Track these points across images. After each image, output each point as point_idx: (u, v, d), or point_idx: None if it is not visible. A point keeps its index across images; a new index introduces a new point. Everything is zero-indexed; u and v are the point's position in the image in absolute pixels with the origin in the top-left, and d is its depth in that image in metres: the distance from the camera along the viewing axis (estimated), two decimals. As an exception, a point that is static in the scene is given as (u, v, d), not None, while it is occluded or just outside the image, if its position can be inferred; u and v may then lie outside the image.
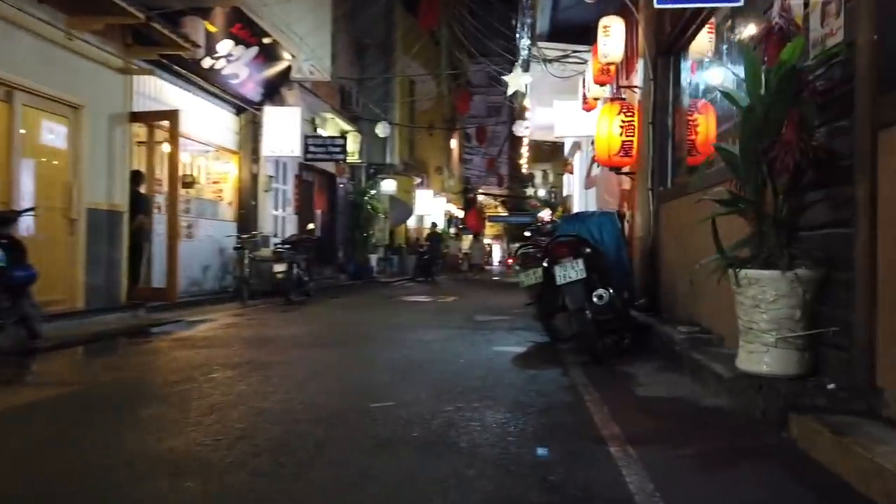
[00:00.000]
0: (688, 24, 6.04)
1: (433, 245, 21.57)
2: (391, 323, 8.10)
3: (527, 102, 12.75)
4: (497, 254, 45.76)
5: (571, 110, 10.65)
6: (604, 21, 7.53)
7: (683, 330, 4.95)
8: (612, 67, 7.77)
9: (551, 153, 26.38)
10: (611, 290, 4.96)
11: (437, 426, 3.17)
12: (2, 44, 6.49)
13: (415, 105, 25.47)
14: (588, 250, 5.06)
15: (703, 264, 3.48)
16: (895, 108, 2.56)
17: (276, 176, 13.84)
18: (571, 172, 16.43)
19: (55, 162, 7.44)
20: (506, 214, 47.05)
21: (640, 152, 6.89)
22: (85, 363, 5.70)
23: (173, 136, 8.84)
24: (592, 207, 11.64)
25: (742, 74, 4.96)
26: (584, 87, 9.52)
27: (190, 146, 11.04)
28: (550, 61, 10.16)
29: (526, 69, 10.73)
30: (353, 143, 17.60)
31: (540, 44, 10.02)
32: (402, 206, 23.72)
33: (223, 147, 12.13)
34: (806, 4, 3.25)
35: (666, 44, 6.53)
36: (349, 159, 17.42)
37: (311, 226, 13.88)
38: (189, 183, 10.72)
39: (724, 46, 6.04)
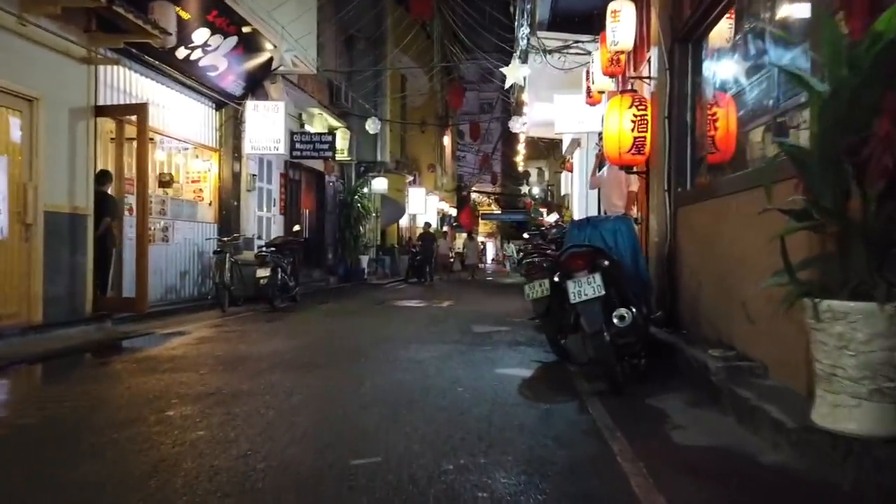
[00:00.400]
0: (711, 6, 5.38)
1: (426, 245, 20.87)
2: (382, 335, 7.42)
3: (524, 97, 12.09)
4: (490, 252, 45.12)
5: (573, 105, 9.99)
6: (613, 5, 6.87)
7: (717, 355, 4.28)
8: (623, 57, 7.10)
9: (548, 150, 25.74)
10: (633, 310, 4.29)
11: (434, 498, 2.50)
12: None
13: (406, 101, 24.77)
14: (606, 263, 4.39)
15: (764, 286, 2.81)
16: None
17: (259, 174, 13.12)
18: (570, 170, 15.77)
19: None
20: (499, 212, 46.48)
21: (655, 150, 6.24)
22: (17, 393, 4.81)
23: (142, 131, 8.10)
24: (594, 208, 10.99)
25: (783, 60, 4.34)
26: (588, 79, 8.85)
27: (166, 143, 10.31)
28: (550, 52, 9.49)
29: (524, 61, 10.06)
30: (342, 140, 16.91)
31: (539, 33, 9.36)
32: (393, 205, 23.03)
33: (202, 144, 11.41)
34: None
35: (684, 29, 5.86)
36: (338, 157, 16.73)
37: (297, 227, 13.17)
38: (166, 182, 10.00)
39: (748, 32, 5.40)
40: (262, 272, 10.12)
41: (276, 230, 13.75)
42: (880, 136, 2.24)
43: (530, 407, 4.05)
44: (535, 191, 35.38)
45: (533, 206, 34.26)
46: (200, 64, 10.06)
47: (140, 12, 7.55)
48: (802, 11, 4.19)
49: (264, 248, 10.97)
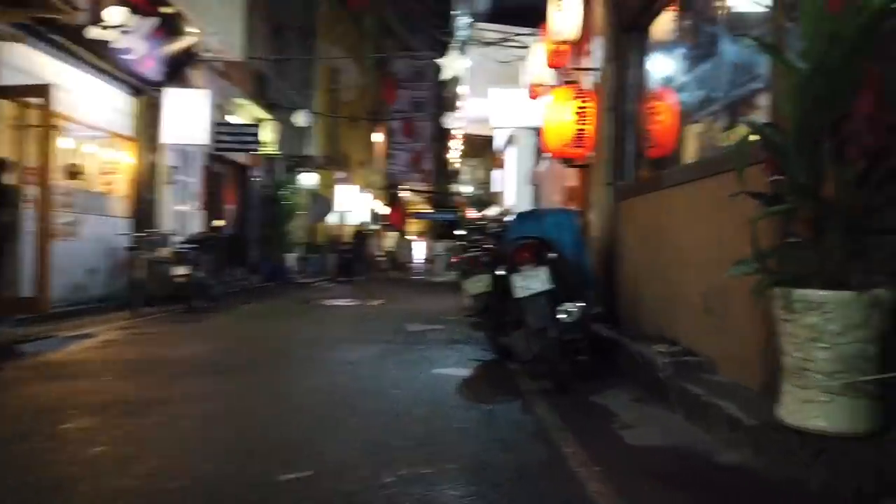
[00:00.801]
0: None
1: (360, 243, 20.39)
2: (310, 336, 7.01)
3: (463, 90, 11.87)
4: (421, 251, 44.82)
5: (511, 99, 9.81)
6: (557, -7, 6.71)
7: (662, 350, 4.15)
8: (566, 47, 6.95)
9: (481, 148, 25.67)
10: (580, 305, 4.10)
11: (373, 517, 2.20)
12: None
13: (338, 96, 24.19)
14: (553, 255, 4.18)
15: (728, 275, 2.64)
16: None
17: (180, 167, 12.34)
18: (503, 168, 15.68)
19: None
20: (430, 211, 46.26)
21: (598, 142, 6.12)
22: None
23: (46, 115, 7.37)
24: (528, 205, 10.89)
25: (733, 50, 4.25)
26: (528, 73, 8.70)
27: (76, 131, 9.49)
28: (490, 44, 9.29)
29: (462, 52, 9.82)
30: (269, 133, 16.22)
31: (479, 24, 9.14)
32: (322, 202, 22.41)
33: (117, 133, 10.59)
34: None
35: (630, 18, 5.75)
36: (265, 150, 16.04)
37: (218, 222, 12.46)
38: (74, 173, 9.21)
39: (693, 22, 5.34)
40: (180, 270, 9.47)
41: (197, 226, 12.97)
42: (862, 113, 2.09)
43: (472, 408, 3.79)
44: (468, 189, 35.32)
45: (464, 205, 34.20)
46: (116, 46, 9.31)
47: (42, -17, 6.85)
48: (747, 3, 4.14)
49: (182, 245, 10.28)
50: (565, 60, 7.40)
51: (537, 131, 8.77)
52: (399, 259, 24.30)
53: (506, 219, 7.52)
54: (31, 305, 7.26)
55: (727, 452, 2.79)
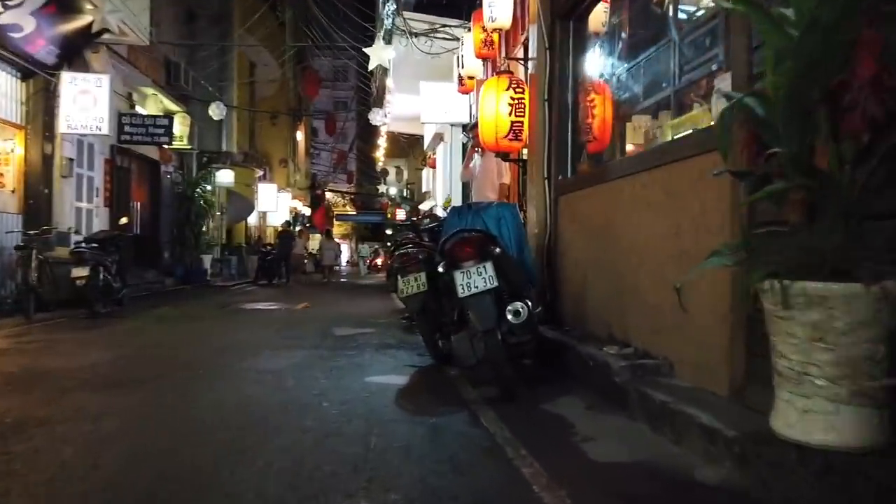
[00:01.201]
0: (596, -20, 5.05)
1: (284, 244, 19.52)
2: (227, 343, 6.39)
3: (388, 82, 11.42)
4: (345, 254, 43.88)
5: (441, 93, 9.45)
6: (488, -20, 6.40)
7: (614, 352, 3.87)
8: (497, 36, 6.64)
9: (409, 146, 25.21)
10: (528, 304, 3.76)
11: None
12: None
13: (256, 89, 23.19)
14: (497, 250, 3.82)
15: (701, 268, 2.34)
16: None
17: (78, 159, 11.29)
18: (433, 167, 15.30)
19: None
20: (355, 213, 45.37)
21: (534, 135, 5.83)
22: None
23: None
24: (460, 202, 10.55)
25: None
26: (458, 65, 8.35)
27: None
28: (416, 35, 8.89)
29: (389, 42, 9.37)
30: (181, 126, 15.25)
31: (405, 14, 8.73)
32: (241, 201, 21.38)
33: (3, 119, 9.54)
34: None
35: (566, 6, 5.49)
36: (177, 144, 15.08)
37: (123, 220, 11.47)
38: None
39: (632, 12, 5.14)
40: (79, 272, 8.56)
41: (100, 224, 11.93)
42: (865, 78, 1.82)
43: (413, 422, 3.36)
44: (393, 191, 34.75)
45: (389, 207, 33.67)
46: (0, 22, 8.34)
47: None
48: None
49: (83, 244, 9.33)
50: (496, 52, 7.10)
51: (464, 127, 8.46)
52: (323, 261, 23.44)
53: (440, 214, 7.15)
54: None
55: (705, 468, 2.48)
